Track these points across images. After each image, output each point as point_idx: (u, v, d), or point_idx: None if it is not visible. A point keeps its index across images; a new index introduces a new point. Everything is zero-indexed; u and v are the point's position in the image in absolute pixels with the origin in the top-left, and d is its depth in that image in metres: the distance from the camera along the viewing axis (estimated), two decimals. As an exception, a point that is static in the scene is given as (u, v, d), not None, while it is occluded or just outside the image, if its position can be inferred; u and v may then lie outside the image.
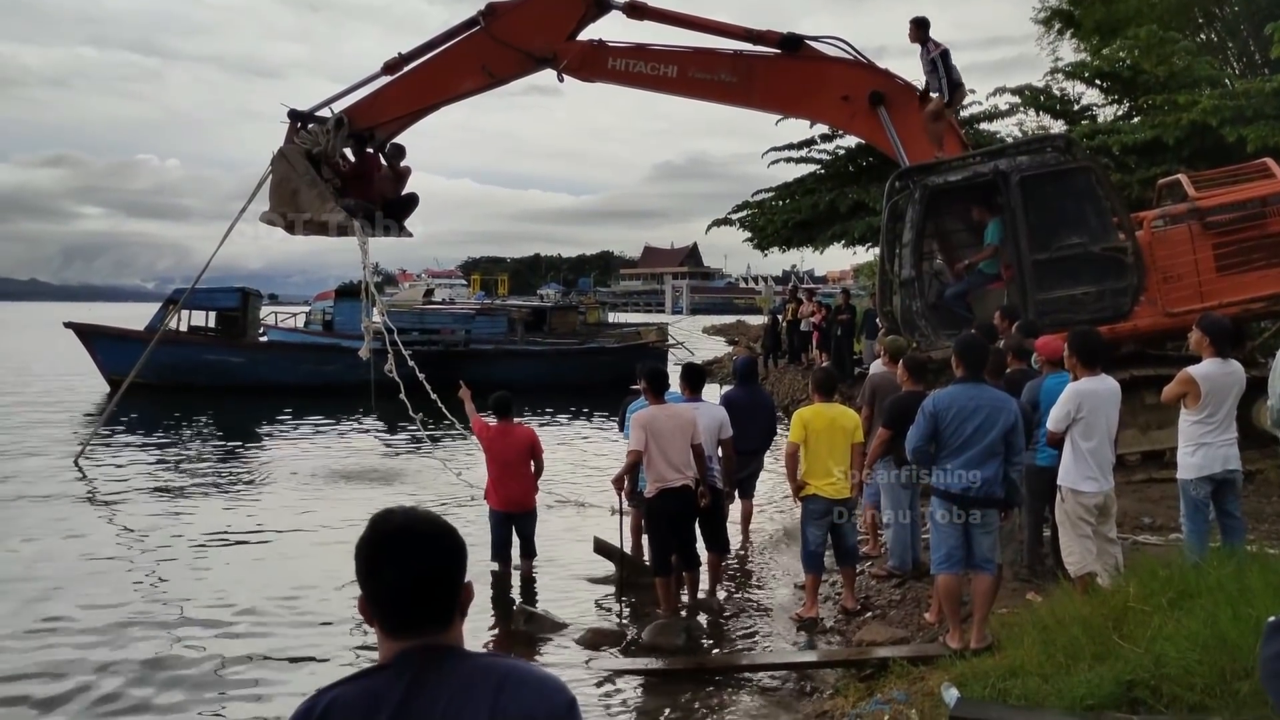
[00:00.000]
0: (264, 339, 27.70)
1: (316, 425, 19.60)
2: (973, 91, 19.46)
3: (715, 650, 7.28)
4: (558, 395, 22.30)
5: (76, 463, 14.27)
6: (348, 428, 19.23)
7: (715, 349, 37.77)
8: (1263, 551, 6.17)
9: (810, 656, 6.91)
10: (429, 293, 44.91)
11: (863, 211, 20.32)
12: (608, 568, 8.82)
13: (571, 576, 8.97)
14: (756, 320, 48.83)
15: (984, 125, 20.92)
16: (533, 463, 8.66)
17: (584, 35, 11.99)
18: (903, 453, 6.49)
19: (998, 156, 10.91)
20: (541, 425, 16.61)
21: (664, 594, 7.56)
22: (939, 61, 11.15)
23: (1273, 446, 8.28)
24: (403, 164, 13.14)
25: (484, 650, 1.77)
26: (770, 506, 11.46)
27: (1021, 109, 20.81)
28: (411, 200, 13.33)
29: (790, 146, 22.65)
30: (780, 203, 23.26)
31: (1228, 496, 6.40)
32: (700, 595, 8.01)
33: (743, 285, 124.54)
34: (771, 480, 11.60)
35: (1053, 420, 6.20)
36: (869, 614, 7.45)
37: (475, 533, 9.48)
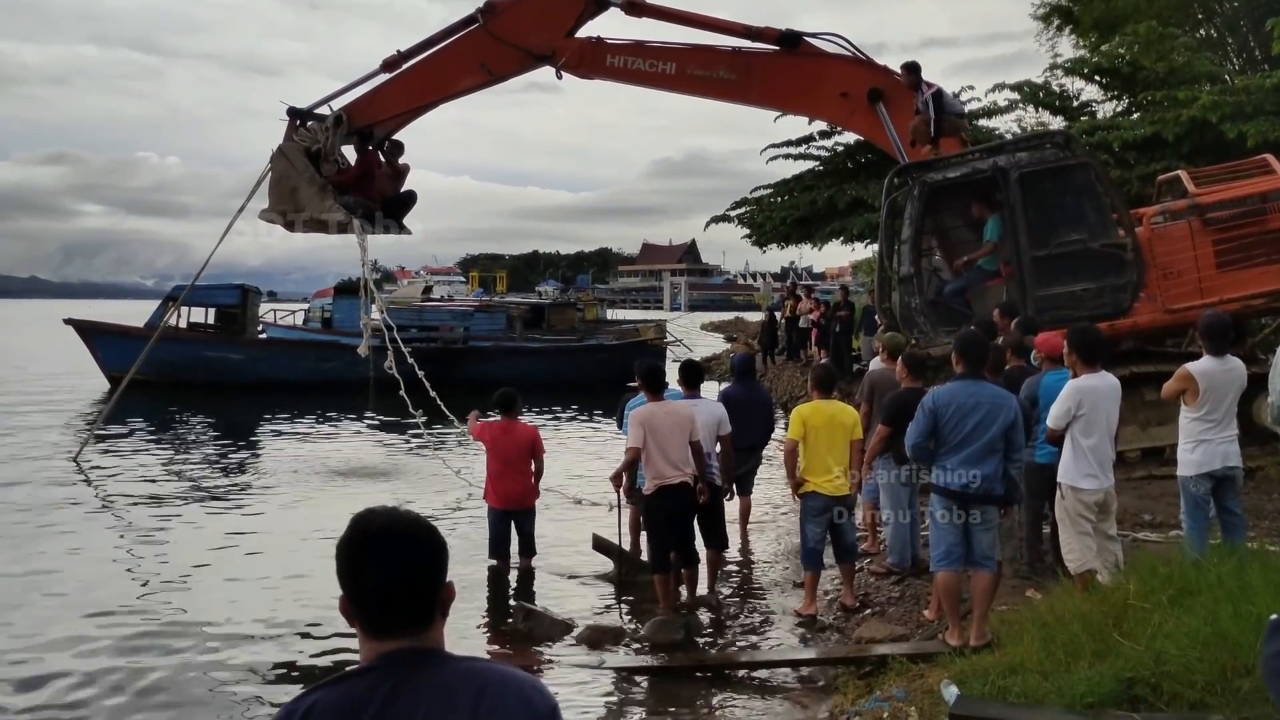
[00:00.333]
0: (263, 336, 27.72)
1: (316, 422, 19.61)
2: (971, 88, 19.49)
3: (714, 647, 7.28)
4: (556, 392, 22.29)
5: (76, 460, 14.26)
6: (347, 425, 19.25)
7: (713, 346, 37.80)
8: (1263, 548, 6.17)
9: (809, 654, 6.92)
10: (428, 290, 45.04)
11: (861, 208, 20.28)
12: (606, 565, 8.83)
13: (570, 574, 8.96)
14: (755, 317, 48.88)
15: (983, 121, 20.86)
16: (533, 462, 8.66)
17: (582, 32, 11.97)
18: (902, 450, 6.49)
19: (997, 153, 10.87)
20: (540, 422, 16.58)
21: (663, 591, 7.56)
22: (929, 105, 11.09)
23: (1273, 443, 8.28)
24: (401, 161, 13.12)
25: (466, 654, 1.77)
26: (768, 504, 11.45)
27: (1021, 105, 20.78)
28: (410, 197, 13.31)
29: (789, 143, 22.63)
30: (779, 199, 23.22)
31: (1228, 493, 6.40)
32: (699, 592, 8.00)
33: (741, 282, 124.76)
34: (770, 478, 11.60)
35: (1052, 417, 6.19)
36: (868, 611, 7.45)
37: (475, 532, 9.49)
